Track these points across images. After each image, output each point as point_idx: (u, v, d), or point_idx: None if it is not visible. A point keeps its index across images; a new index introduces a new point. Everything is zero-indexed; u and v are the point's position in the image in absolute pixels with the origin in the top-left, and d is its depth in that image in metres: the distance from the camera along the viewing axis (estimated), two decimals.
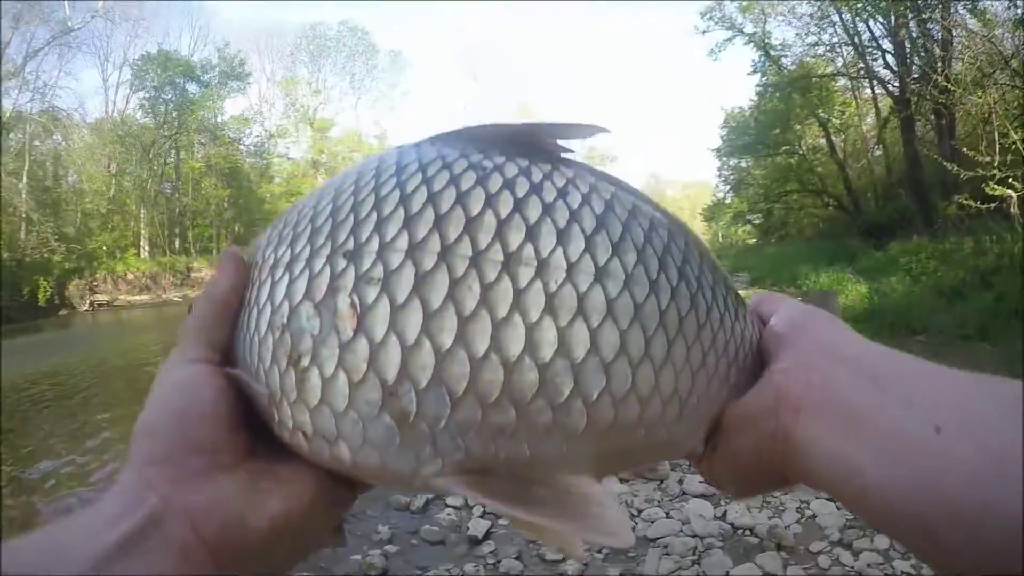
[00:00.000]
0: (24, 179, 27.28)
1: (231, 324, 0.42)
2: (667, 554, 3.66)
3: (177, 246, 36.37)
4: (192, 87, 36.57)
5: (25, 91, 28.69)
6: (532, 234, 0.37)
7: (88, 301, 27.40)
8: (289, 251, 0.40)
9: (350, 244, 0.37)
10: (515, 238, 0.37)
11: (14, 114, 29.00)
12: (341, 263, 0.37)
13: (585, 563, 3.63)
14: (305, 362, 0.36)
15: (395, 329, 0.34)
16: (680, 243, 0.46)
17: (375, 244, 0.37)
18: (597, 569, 3.62)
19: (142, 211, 34.23)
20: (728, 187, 43.04)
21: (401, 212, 0.38)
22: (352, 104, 53.71)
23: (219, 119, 40.42)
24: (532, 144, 0.45)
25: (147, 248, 33.78)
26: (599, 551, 3.70)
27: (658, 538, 3.87)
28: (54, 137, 32.29)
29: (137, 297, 29.66)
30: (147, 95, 35.89)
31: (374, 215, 0.38)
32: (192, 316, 0.42)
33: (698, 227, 74.63)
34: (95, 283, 28.33)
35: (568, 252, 0.37)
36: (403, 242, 0.36)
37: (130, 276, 30.17)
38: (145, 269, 31.18)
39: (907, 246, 15.07)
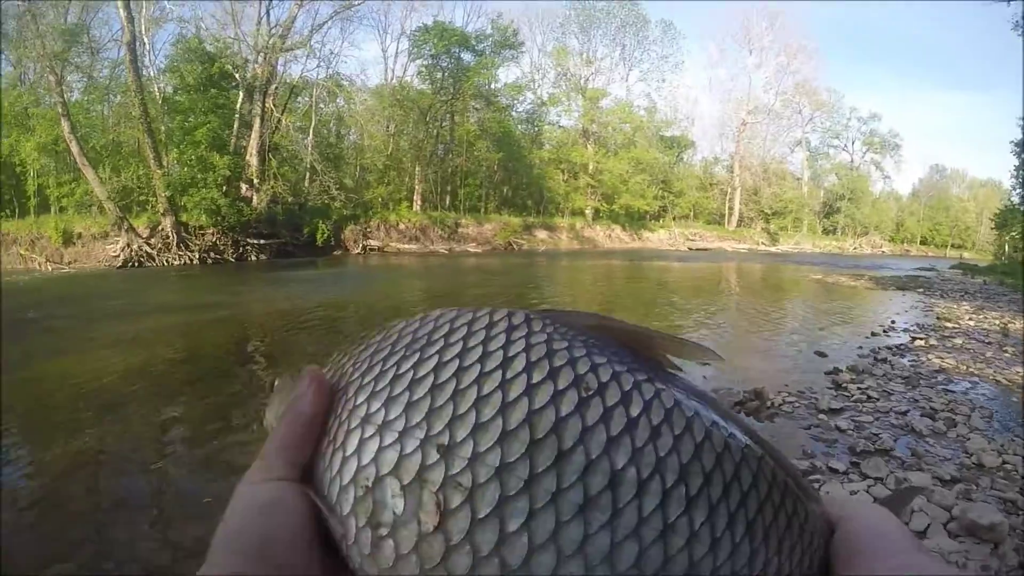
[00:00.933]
0: (310, 135, 28.22)
1: (313, 445, 0.42)
2: None
3: (447, 203, 36.18)
4: (467, 56, 36.24)
5: (312, 59, 29.85)
6: (615, 482, 0.37)
7: (361, 245, 27.46)
8: (383, 411, 0.40)
9: (444, 438, 0.38)
10: (598, 482, 0.37)
11: (302, 79, 30.49)
12: (433, 455, 0.38)
13: None
14: (383, 532, 0.37)
15: (471, 540, 0.36)
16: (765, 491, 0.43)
17: (468, 450, 0.38)
18: None
19: (417, 168, 34.36)
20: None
21: (498, 424, 0.38)
22: (623, 75, 51.00)
23: (492, 86, 39.91)
24: (644, 352, 0.44)
25: (419, 202, 33.65)
26: None
27: None
28: (338, 100, 33.61)
29: (406, 246, 29.43)
30: (424, 63, 36.17)
31: (472, 415, 0.38)
32: (276, 434, 0.43)
33: (986, 233, 62.13)
34: (369, 229, 28.47)
35: (643, 506, 0.37)
36: (494, 458, 0.37)
37: (402, 226, 30.11)
38: (416, 221, 31.03)
39: None
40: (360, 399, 0.40)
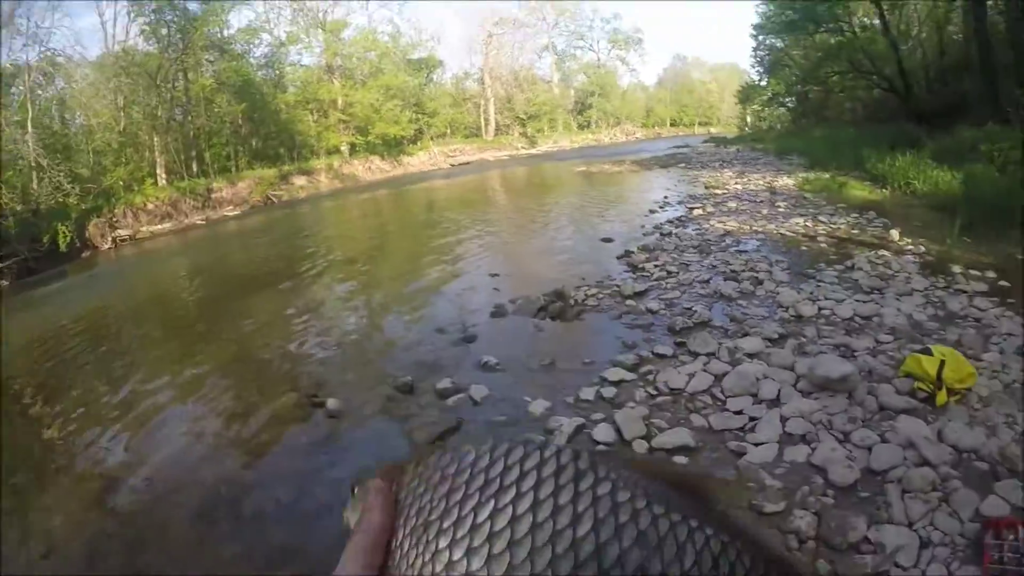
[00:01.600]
0: (29, 128, 26.22)
1: (383, 552, 0.48)
2: (907, 491, 3.15)
3: (195, 169, 35.13)
4: (192, 5, 34.39)
5: (18, 38, 27.10)
6: None
7: (110, 238, 26.55)
8: (447, 553, 0.43)
9: None
10: None
11: (11, 66, 27.63)
12: None
13: (817, 512, 3.13)
14: None
15: None
16: None
17: None
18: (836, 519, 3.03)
19: (155, 139, 32.94)
20: (763, 69, 42.01)
21: None
22: (362, 3, 50.72)
23: (225, 33, 38.40)
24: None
25: (164, 176, 32.67)
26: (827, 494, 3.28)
27: (886, 470, 3.39)
28: (56, 82, 31.00)
29: (159, 226, 28.77)
30: (147, 20, 33.69)
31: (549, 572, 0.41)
32: (351, 540, 0.49)
33: (729, 110, 72.23)
34: (115, 219, 27.41)
35: None
36: None
37: (149, 206, 29.21)
38: (164, 197, 30.19)
39: (983, 133, 13.47)
40: (442, 543, 0.44)
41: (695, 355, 5.29)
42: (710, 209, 12.85)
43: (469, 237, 13.72)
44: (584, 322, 6.83)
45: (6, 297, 19.07)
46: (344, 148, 44.31)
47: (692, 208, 13.23)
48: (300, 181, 38.38)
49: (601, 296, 7.42)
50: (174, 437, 5.49)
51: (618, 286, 7.65)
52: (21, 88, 28.32)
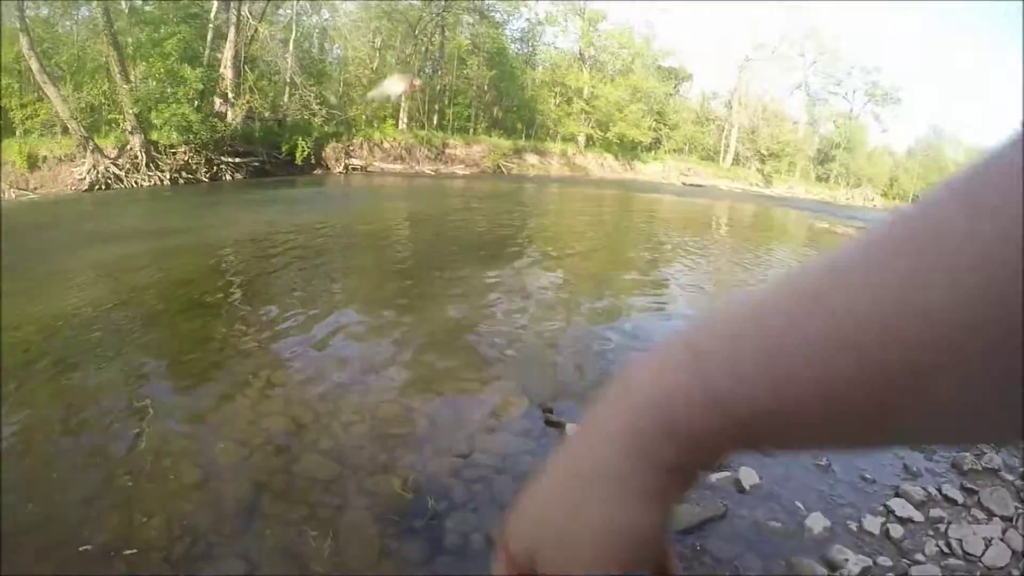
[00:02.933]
0: (291, 47, 26.70)
1: None
2: None
3: (435, 122, 34.81)
4: None
5: None
6: None
7: (343, 164, 26.43)
8: None
9: None
10: None
11: None
12: None
13: None
14: None
15: None
16: None
17: None
18: None
19: None
20: None
21: None
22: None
23: (487, 1, 37.63)
24: None
25: (405, 121, 32.27)
26: None
27: None
28: (321, 12, 32.04)
29: (391, 165, 28.40)
30: None
31: None
32: None
33: None
34: (351, 148, 27.35)
35: None
36: None
37: (386, 144, 28.95)
38: (402, 140, 29.85)
39: None
40: None
41: (989, 513, 4.21)
42: None
43: (716, 272, 12.76)
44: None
45: (240, 190, 18.86)
46: (580, 138, 42.35)
47: None
48: (532, 159, 36.86)
49: None
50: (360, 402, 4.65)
51: None
52: (289, 12, 29.09)
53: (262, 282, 8.21)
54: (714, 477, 4.26)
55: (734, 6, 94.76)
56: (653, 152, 47.96)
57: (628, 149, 44.51)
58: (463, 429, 4.39)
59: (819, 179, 60.01)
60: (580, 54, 43.92)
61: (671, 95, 51.39)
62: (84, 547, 2.86)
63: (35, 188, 16.82)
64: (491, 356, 5.99)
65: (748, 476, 4.31)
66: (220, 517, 3.14)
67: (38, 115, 18.96)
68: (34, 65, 16.61)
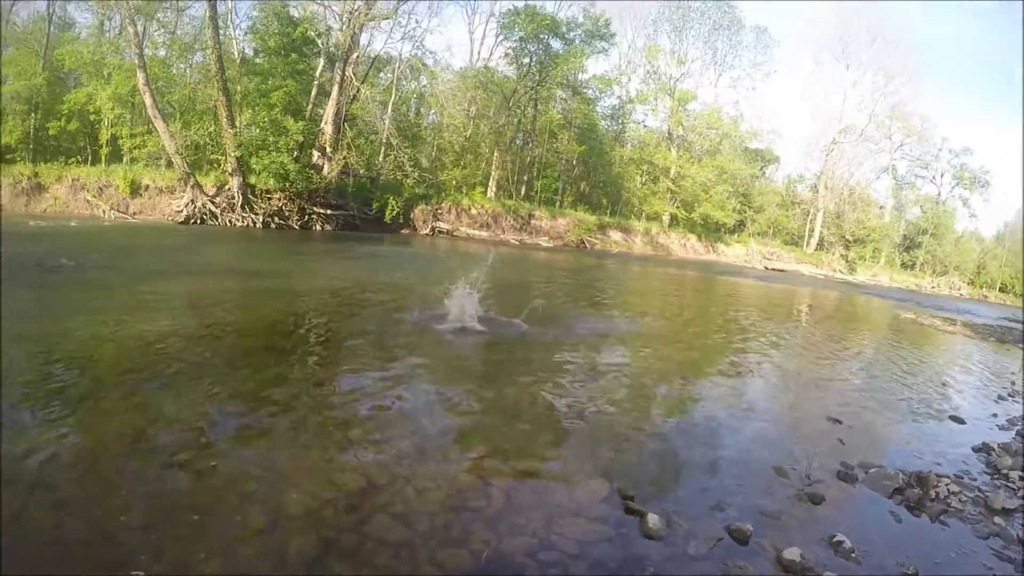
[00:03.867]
0: (389, 108, 27.15)
1: None
2: None
3: (522, 192, 34.76)
4: (555, 43, 34.56)
5: (397, 32, 28.58)
6: None
7: (430, 226, 26.25)
8: None
9: None
10: None
11: (386, 54, 29.75)
12: None
13: None
14: None
15: None
16: None
17: None
18: None
19: (495, 154, 33.06)
20: None
21: None
22: (712, 80, 48.42)
23: (580, 77, 38.15)
24: None
25: (494, 189, 32.39)
26: None
27: None
28: (420, 79, 32.84)
29: (476, 232, 28.11)
30: (511, 46, 34.63)
31: None
32: None
33: None
34: (439, 211, 27.22)
35: None
36: None
37: (473, 211, 28.77)
38: (489, 207, 29.66)
39: None
40: None
41: None
42: None
43: (799, 364, 11.63)
44: (947, 529, 5.09)
45: (328, 240, 18.70)
46: (665, 217, 41.65)
47: None
48: (616, 236, 36.21)
49: (963, 498, 5.62)
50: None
51: (984, 493, 5.78)
52: (390, 76, 29.84)
53: (345, 334, 7.86)
54: None
55: (822, 79, 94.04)
56: (736, 234, 46.79)
57: (712, 230, 43.55)
58: (541, 509, 4.12)
59: (904, 266, 56.94)
60: (668, 133, 43.64)
61: (757, 177, 50.47)
62: (136, 573, 2.74)
63: (135, 213, 17.04)
64: (572, 435, 5.58)
65: None
66: (281, 566, 2.99)
67: (145, 146, 19.47)
68: (147, 100, 17.02)
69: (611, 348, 9.70)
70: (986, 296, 57.55)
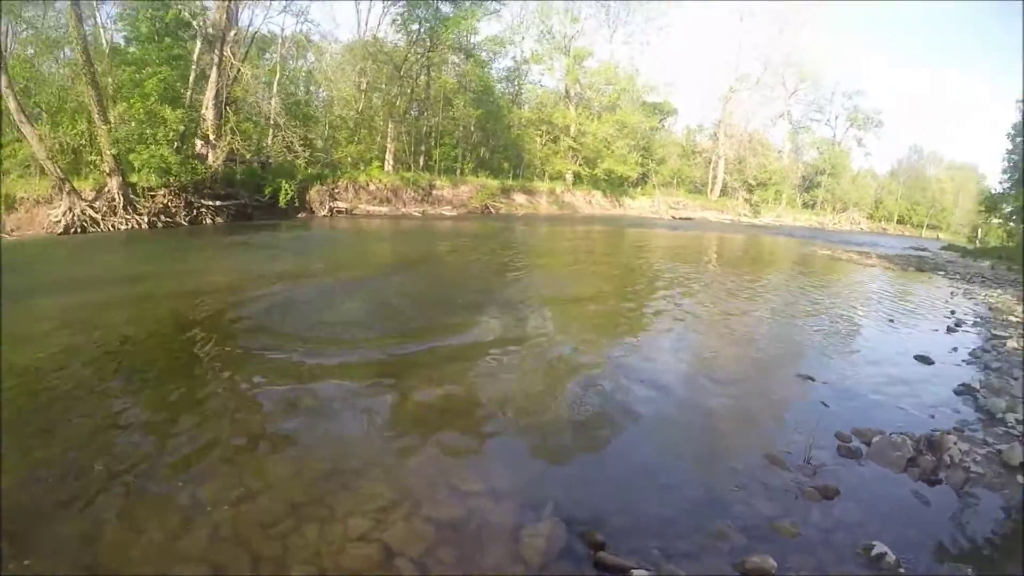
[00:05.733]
0: (275, 89, 26.48)
1: None
2: None
3: (421, 163, 34.54)
4: (445, 7, 33.80)
5: (277, 7, 28.02)
6: None
7: (328, 207, 25.92)
8: None
9: None
10: None
11: (269, 34, 29.13)
12: None
13: None
14: None
15: None
16: None
17: None
18: None
19: (389, 127, 32.55)
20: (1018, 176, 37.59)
21: None
22: (607, 37, 48.96)
23: (472, 39, 37.99)
24: None
25: (391, 163, 31.98)
26: None
27: None
28: (307, 56, 32.45)
29: (377, 208, 27.94)
30: (399, 12, 33.84)
31: None
32: None
33: (962, 216, 64.89)
34: (336, 191, 26.88)
35: None
36: None
37: (372, 187, 28.51)
38: (387, 182, 29.47)
39: None
40: None
41: None
42: None
43: (742, 315, 11.37)
44: (979, 503, 4.64)
45: (220, 234, 18.30)
46: (568, 176, 42.29)
47: (998, 335, 11.00)
48: (520, 199, 36.69)
49: (977, 457, 5.43)
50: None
51: (994, 447, 5.69)
52: (275, 55, 28.88)
53: (240, 332, 7.62)
54: None
55: (716, 32, 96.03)
56: (641, 187, 48.04)
57: (616, 185, 44.48)
58: None
59: (806, 205, 60.51)
60: (566, 91, 44.08)
61: (657, 130, 51.62)
62: None
63: (12, 231, 16.18)
64: (501, 451, 4.92)
65: None
66: None
67: (16, 155, 18.40)
68: (11, 104, 16.06)
69: (531, 315, 9.44)
70: (885, 229, 61.65)
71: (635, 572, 3.37)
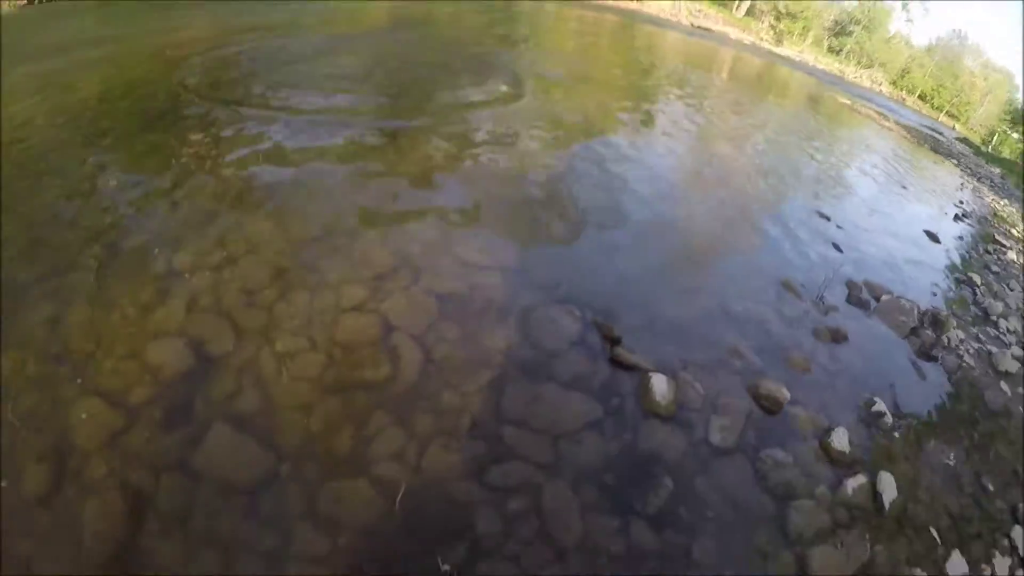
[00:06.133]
0: None
1: None
2: None
3: None
4: None
5: None
6: None
7: None
8: None
9: None
10: None
11: None
12: None
13: None
14: None
15: None
16: None
17: None
18: None
19: None
20: None
21: None
22: None
23: None
24: None
25: None
26: None
27: None
28: None
29: None
30: None
31: None
32: None
33: (984, 116, 60.46)
34: None
35: None
36: None
37: None
38: None
39: None
40: None
41: None
42: None
43: (761, 137, 10.90)
44: (965, 396, 4.72)
45: None
46: None
47: (1001, 243, 10.98)
48: None
49: (971, 350, 5.50)
50: None
51: (986, 347, 5.75)
52: None
53: (224, 86, 7.05)
54: (849, 487, 3.40)
55: None
56: None
57: None
58: (478, 364, 3.07)
59: (831, 50, 57.24)
60: None
61: None
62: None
63: None
64: (505, 213, 4.46)
65: (888, 489, 3.52)
66: None
67: None
68: None
69: (536, 88, 8.92)
70: (904, 99, 58.84)
71: (655, 378, 3.28)
